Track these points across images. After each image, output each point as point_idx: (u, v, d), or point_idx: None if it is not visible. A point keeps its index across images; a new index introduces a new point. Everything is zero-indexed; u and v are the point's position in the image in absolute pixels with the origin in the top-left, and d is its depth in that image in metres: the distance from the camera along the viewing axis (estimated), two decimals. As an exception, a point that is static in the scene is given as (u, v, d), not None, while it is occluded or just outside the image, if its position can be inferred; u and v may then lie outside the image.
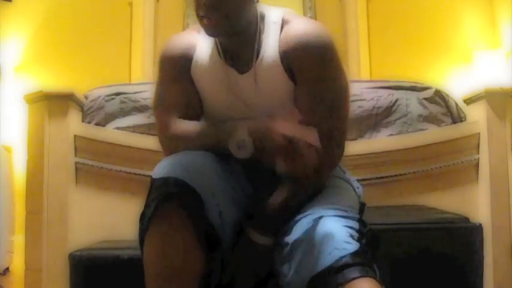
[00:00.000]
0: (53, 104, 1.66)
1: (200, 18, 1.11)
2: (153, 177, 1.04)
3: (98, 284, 1.42)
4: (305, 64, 1.13)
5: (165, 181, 0.99)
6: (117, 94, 1.84)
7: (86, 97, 1.85)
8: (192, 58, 1.22)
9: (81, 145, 1.69)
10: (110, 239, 1.64)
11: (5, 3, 3.06)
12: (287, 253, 1.01)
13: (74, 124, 1.69)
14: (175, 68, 1.23)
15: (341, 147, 1.15)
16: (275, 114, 1.13)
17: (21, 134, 2.42)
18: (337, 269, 0.91)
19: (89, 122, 1.79)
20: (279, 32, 1.18)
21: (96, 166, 1.70)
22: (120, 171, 1.71)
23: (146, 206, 1.01)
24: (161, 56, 1.28)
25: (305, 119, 1.09)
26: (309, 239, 0.98)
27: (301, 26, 1.16)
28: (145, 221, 1.00)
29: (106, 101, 1.82)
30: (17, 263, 2.33)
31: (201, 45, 1.23)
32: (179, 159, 1.06)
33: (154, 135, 1.77)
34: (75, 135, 1.69)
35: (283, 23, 1.19)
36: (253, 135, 1.05)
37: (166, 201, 0.98)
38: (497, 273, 1.61)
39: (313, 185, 1.10)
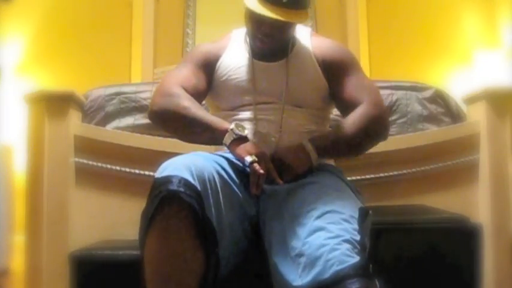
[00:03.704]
0: (53, 104, 1.66)
1: (255, 37, 1.34)
2: (155, 176, 1.04)
3: (98, 284, 1.42)
4: (341, 62, 1.38)
5: (167, 179, 1.00)
6: (117, 94, 1.84)
7: (86, 97, 1.85)
8: (219, 57, 1.42)
9: (81, 145, 1.69)
10: (110, 239, 1.64)
11: (5, 3, 3.06)
12: (287, 263, 1.02)
13: (73, 124, 1.69)
14: (200, 59, 1.41)
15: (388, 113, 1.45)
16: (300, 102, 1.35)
17: (21, 134, 2.42)
18: (338, 281, 0.91)
19: (89, 122, 1.79)
20: (309, 37, 1.43)
21: (96, 166, 1.70)
22: (120, 171, 1.71)
23: (148, 203, 1.02)
24: (196, 46, 1.42)
25: (356, 99, 1.31)
26: (311, 250, 0.98)
27: (329, 39, 1.46)
28: (147, 219, 1.00)
29: (106, 101, 1.82)
30: (17, 263, 2.33)
31: (231, 46, 1.44)
32: (180, 160, 1.07)
33: (154, 135, 1.77)
34: (75, 135, 1.68)
35: (311, 35, 1.45)
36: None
37: (169, 198, 0.99)
38: (497, 273, 1.61)
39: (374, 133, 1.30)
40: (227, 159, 1.23)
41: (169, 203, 0.99)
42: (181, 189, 0.99)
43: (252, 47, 1.39)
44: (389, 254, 1.38)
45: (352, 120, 1.28)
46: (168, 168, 1.04)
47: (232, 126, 1.20)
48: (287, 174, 1.17)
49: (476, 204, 1.72)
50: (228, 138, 1.19)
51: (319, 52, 1.40)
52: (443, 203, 1.70)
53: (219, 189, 1.08)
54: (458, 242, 1.47)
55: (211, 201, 1.04)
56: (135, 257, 1.36)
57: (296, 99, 1.35)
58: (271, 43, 1.33)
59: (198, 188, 1.01)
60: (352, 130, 1.26)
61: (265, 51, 1.36)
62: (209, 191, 1.04)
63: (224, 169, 1.15)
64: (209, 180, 1.05)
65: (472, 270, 1.48)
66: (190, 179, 1.01)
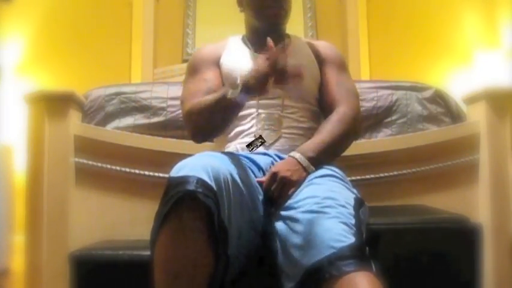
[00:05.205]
0: (53, 104, 1.66)
1: (264, 9, 1.45)
2: (171, 176, 1.04)
3: (98, 284, 1.42)
4: (331, 59, 1.50)
5: (185, 180, 1.00)
6: (117, 94, 1.84)
7: (86, 97, 1.85)
8: (221, 54, 1.51)
9: (81, 145, 1.69)
10: (110, 239, 1.64)
11: (5, 3, 3.06)
12: (284, 245, 1.03)
13: (73, 124, 1.69)
14: (201, 62, 1.51)
15: (360, 116, 1.47)
16: (299, 92, 1.42)
17: (21, 134, 2.42)
18: (333, 261, 0.92)
19: (89, 122, 1.79)
20: (303, 39, 1.57)
21: (96, 166, 1.70)
22: (120, 171, 1.71)
23: (163, 202, 1.02)
24: (191, 56, 1.57)
25: (336, 100, 1.40)
26: (306, 232, 1.00)
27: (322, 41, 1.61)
28: (161, 218, 1.00)
29: (106, 101, 1.82)
30: (17, 263, 2.33)
31: (230, 44, 1.54)
32: (196, 160, 1.08)
33: (154, 135, 1.78)
34: (75, 135, 1.68)
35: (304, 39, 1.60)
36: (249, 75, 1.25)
37: (184, 199, 0.99)
38: (497, 273, 1.61)
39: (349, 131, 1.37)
40: (242, 157, 1.25)
41: (185, 203, 0.99)
42: (199, 189, 0.99)
43: (251, 42, 1.51)
44: (389, 254, 1.38)
45: (332, 125, 1.35)
46: (184, 168, 1.04)
47: (225, 90, 1.28)
48: (288, 188, 1.18)
49: (476, 204, 1.72)
50: (235, 94, 1.25)
51: (314, 48, 1.52)
52: (443, 203, 1.70)
53: (231, 191, 1.08)
54: (458, 242, 1.47)
55: (225, 202, 1.04)
56: (135, 257, 1.38)
57: (296, 92, 1.41)
58: (281, 8, 1.45)
59: (215, 188, 1.01)
60: (335, 136, 1.33)
61: (276, 22, 1.47)
62: (223, 192, 1.04)
63: (237, 171, 1.14)
64: (224, 182, 1.05)
65: (472, 270, 1.48)
66: (207, 179, 1.01)
